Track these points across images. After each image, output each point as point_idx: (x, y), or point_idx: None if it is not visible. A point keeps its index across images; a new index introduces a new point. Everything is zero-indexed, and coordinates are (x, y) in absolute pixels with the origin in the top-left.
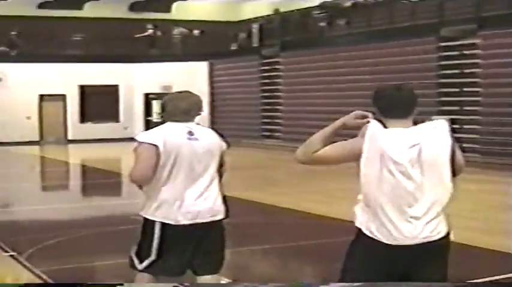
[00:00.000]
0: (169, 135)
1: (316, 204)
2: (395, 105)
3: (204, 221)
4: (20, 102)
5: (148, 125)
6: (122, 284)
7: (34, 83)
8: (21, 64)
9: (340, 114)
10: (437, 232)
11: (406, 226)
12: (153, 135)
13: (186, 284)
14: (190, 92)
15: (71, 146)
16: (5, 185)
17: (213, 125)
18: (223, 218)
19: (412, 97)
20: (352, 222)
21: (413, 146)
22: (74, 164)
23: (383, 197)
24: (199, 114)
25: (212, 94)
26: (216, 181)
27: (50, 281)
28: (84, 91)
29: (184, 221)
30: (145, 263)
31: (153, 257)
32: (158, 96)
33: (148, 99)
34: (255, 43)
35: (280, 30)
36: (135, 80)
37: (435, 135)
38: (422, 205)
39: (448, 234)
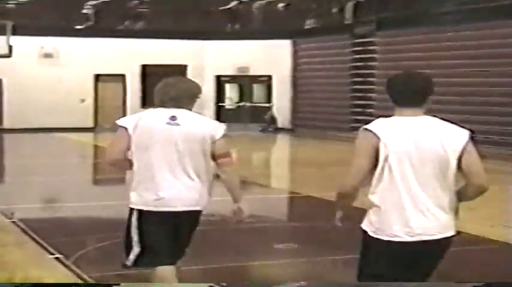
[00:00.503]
0: (145, 119)
1: None
2: (407, 93)
3: (179, 210)
4: (73, 82)
5: (220, 112)
6: (118, 284)
7: (89, 60)
8: (76, 39)
9: (443, 104)
10: (448, 229)
11: (423, 221)
12: (127, 119)
13: (223, 284)
14: (184, 78)
15: None
16: (52, 178)
17: (295, 113)
18: (200, 211)
19: (425, 85)
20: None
21: (419, 137)
22: None
23: (397, 192)
24: (195, 101)
25: (295, 78)
26: (203, 170)
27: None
28: (147, 71)
29: (157, 208)
30: (131, 257)
31: (136, 249)
32: (232, 79)
33: (220, 82)
34: (348, 20)
35: (378, 6)
36: (206, 59)
37: (446, 129)
38: (432, 201)
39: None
